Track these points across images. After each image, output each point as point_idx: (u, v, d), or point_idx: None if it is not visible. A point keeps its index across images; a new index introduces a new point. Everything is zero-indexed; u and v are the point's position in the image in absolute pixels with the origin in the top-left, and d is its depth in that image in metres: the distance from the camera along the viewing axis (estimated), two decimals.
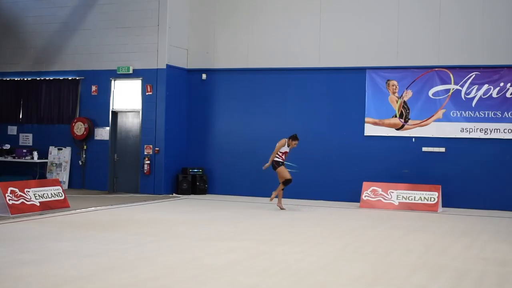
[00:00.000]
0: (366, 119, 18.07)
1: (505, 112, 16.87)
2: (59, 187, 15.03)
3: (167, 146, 19.02)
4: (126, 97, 19.58)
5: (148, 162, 18.93)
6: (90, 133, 19.77)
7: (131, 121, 19.57)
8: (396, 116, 17.84)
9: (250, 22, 19.40)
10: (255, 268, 8.40)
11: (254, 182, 19.02)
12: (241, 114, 19.45)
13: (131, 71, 19.34)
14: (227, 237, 11.15)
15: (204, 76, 19.79)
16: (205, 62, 19.85)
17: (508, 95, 16.88)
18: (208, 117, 19.80)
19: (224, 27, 19.69)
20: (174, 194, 19.00)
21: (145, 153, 19.07)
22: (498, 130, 16.87)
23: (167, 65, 18.98)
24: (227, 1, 19.74)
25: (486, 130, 16.98)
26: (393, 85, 17.90)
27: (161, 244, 10.24)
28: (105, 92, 19.74)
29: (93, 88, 19.90)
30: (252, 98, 19.33)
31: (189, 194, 18.95)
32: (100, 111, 19.80)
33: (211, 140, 19.77)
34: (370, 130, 18.03)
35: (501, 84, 16.96)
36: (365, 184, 17.19)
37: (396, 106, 17.86)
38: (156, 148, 18.92)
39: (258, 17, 19.33)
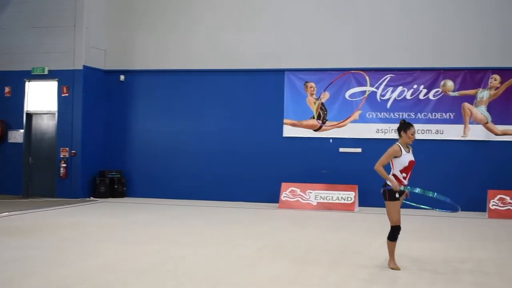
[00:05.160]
0: (285, 120, 18.24)
1: (418, 113, 17.38)
2: None
3: (84, 149, 18.64)
4: (41, 98, 19.08)
5: (65, 165, 18.51)
6: (3, 135, 19.15)
7: (47, 123, 19.09)
8: (314, 118, 18.09)
9: (170, 23, 19.26)
10: (175, 271, 8.34)
11: (174, 184, 18.89)
12: (161, 116, 19.28)
13: (46, 72, 18.86)
14: (147, 241, 11.02)
15: (122, 77, 19.51)
16: (124, 63, 19.59)
17: (421, 96, 17.40)
18: (127, 119, 19.55)
19: (143, 28, 19.48)
20: (91, 198, 18.64)
21: (61, 156, 18.62)
22: None
23: (83, 66, 18.61)
24: (146, 2, 19.54)
25: None
26: (311, 87, 18.15)
27: (79, 249, 10.03)
28: (19, 94, 19.16)
29: (6, 89, 19.29)
30: (171, 100, 19.19)
31: (107, 198, 18.63)
32: (13, 113, 19.20)
33: (129, 143, 19.52)
34: (289, 131, 18.21)
35: (415, 86, 17.47)
36: (283, 184, 17.37)
37: (314, 108, 18.11)
38: (73, 151, 18.52)
39: (178, 18, 19.20)
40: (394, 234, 8.76)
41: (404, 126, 8.89)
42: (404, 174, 8.66)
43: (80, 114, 18.58)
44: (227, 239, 11.35)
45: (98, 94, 19.39)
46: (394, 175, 8.61)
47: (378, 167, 8.60)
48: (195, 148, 18.93)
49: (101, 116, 19.49)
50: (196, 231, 12.39)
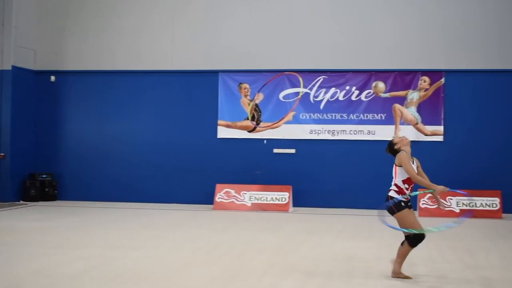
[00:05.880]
0: (219, 122, 18.23)
1: (351, 114, 17.66)
2: None
3: (13, 151, 18.16)
4: None
5: None
6: None
7: None
8: (248, 119, 18.15)
9: (102, 24, 18.97)
10: (107, 275, 8.22)
11: (108, 187, 18.61)
12: (94, 118, 18.97)
13: None
14: (79, 244, 10.81)
15: (52, 78, 19.11)
16: (54, 63, 19.18)
17: (353, 98, 17.68)
18: (58, 121, 19.14)
19: (75, 27, 19.12)
20: (21, 201, 18.17)
21: None
22: (344, 132, 17.64)
23: (12, 66, 18.13)
24: (78, 1, 19.19)
25: (333, 131, 17.68)
26: (245, 88, 18.20)
27: (9, 254, 9.76)
28: None
29: None
30: (105, 101, 18.90)
31: (38, 201, 18.20)
32: None
33: (61, 144, 19.12)
34: (223, 132, 18.21)
35: (347, 87, 17.74)
36: (218, 186, 17.35)
37: (248, 109, 18.16)
38: (1, 153, 18.02)
39: (110, 18, 18.95)
40: (417, 241, 8.06)
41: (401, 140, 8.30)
42: (407, 185, 8.03)
43: (9, 115, 18.10)
44: (162, 241, 11.26)
45: (28, 95, 18.92)
46: (395, 185, 8.06)
47: (416, 177, 7.93)
48: (128, 150, 18.71)
49: (31, 118, 19.03)
50: (130, 234, 12.25)
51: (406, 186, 8.02)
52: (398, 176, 8.04)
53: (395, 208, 7.97)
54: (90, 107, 19.01)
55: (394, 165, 8.11)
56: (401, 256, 8.14)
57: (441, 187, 7.88)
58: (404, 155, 8.02)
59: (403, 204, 7.98)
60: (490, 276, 8.46)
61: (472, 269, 8.99)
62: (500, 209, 16.05)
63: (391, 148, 8.31)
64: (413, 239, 8.00)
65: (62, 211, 16.38)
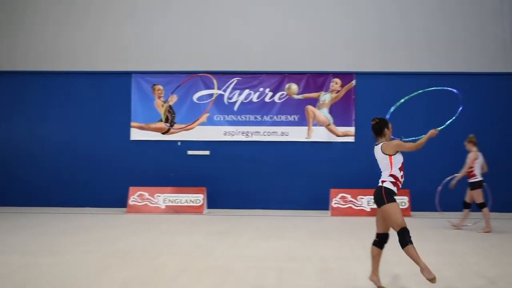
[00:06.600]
0: (132, 124, 18.02)
1: (264, 116, 17.82)
2: None
3: None
4: None
5: None
6: None
7: None
8: (162, 121, 18.02)
9: (13, 21, 18.41)
10: (15, 283, 7.97)
11: (18, 191, 18.07)
12: (4, 120, 18.38)
13: None
14: None
15: None
16: None
17: (267, 99, 17.84)
18: None
19: None
20: None
21: None
22: (258, 133, 17.78)
23: None
24: None
25: (247, 133, 17.79)
26: (158, 90, 18.06)
27: None
28: None
29: None
30: (16, 103, 18.37)
31: None
32: None
33: None
34: (136, 134, 18.01)
35: (261, 89, 17.89)
36: (131, 189, 17.13)
37: (161, 111, 18.03)
38: None
39: (22, 17, 18.42)
40: (405, 236, 7.39)
41: (386, 122, 7.80)
42: (402, 173, 7.59)
43: None
44: (74, 246, 11.01)
45: None
46: (392, 175, 7.54)
47: (416, 145, 7.45)
48: (40, 152, 18.22)
49: None
50: (41, 239, 11.91)
51: (402, 173, 7.63)
52: (394, 165, 7.57)
53: (386, 197, 7.47)
54: (0, 109, 18.39)
55: (386, 156, 7.58)
56: (417, 259, 7.32)
57: (432, 131, 7.63)
58: (395, 141, 7.61)
59: (394, 196, 7.57)
60: (399, 273, 8.71)
61: (383, 266, 9.22)
62: (409, 207, 16.53)
63: (381, 126, 7.75)
64: (402, 238, 7.39)
65: None
